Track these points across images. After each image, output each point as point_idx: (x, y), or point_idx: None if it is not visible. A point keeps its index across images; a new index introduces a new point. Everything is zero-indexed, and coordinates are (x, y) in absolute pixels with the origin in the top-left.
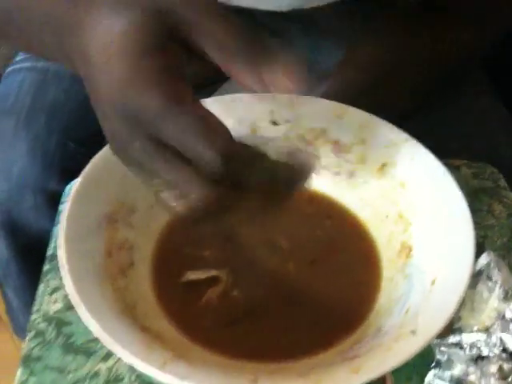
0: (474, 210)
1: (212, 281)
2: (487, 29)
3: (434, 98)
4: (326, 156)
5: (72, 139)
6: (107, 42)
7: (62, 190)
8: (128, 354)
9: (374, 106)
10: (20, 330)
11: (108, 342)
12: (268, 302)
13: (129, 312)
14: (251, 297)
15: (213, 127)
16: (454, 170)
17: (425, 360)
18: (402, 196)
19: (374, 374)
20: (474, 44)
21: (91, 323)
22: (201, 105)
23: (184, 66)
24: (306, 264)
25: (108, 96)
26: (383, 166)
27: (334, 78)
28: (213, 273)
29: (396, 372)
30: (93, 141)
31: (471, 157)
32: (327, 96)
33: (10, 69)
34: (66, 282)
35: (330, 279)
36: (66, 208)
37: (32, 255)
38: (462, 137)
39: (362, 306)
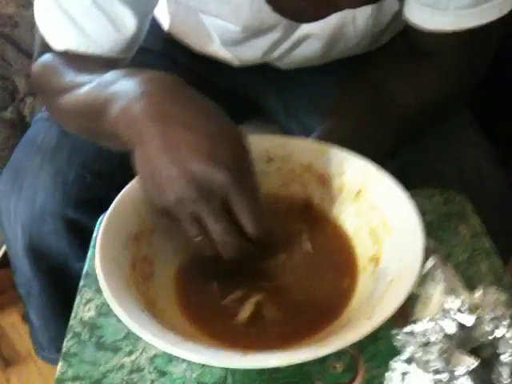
0: (443, 231)
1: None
2: (462, 75)
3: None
4: (311, 186)
5: (89, 172)
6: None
7: (79, 217)
8: (148, 335)
9: (358, 149)
10: (40, 350)
11: (133, 327)
12: (266, 307)
13: (150, 308)
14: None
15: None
16: (427, 196)
17: (392, 352)
18: (373, 216)
19: (338, 346)
20: (450, 89)
21: (121, 315)
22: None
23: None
24: (297, 271)
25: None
26: (358, 192)
27: (323, 127)
28: (238, 294)
29: (368, 361)
30: (107, 174)
31: (446, 184)
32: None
33: (38, 116)
34: (103, 288)
35: (315, 282)
36: (99, 234)
37: (52, 275)
38: (440, 166)
39: (340, 302)
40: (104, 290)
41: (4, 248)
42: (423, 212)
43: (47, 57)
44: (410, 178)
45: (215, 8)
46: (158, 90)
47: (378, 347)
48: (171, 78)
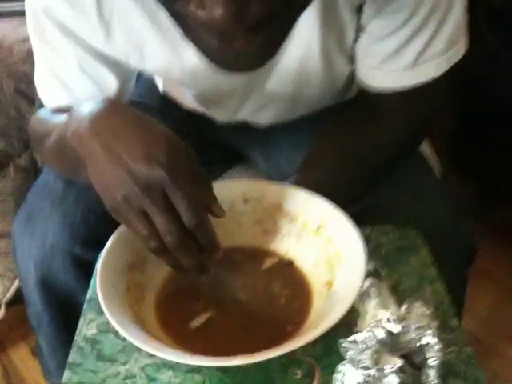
0: (396, 262)
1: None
2: (410, 126)
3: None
4: (281, 223)
5: (93, 215)
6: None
7: (85, 253)
8: (138, 342)
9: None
10: (48, 373)
11: (127, 336)
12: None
13: (140, 323)
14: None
15: (194, 202)
16: (385, 232)
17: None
18: (329, 248)
19: (294, 346)
20: (400, 139)
21: (117, 327)
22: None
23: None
24: (262, 293)
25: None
26: (318, 228)
27: (296, 175)
28: (203, 316)
29: (323, 370)
30: (109, 217)
31: (404, 220)
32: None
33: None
34: (103, 306)
35: (279, 303)
36: (99, 264)
37: (60, 307)
38: (398, 205)
39: (301, 317)
40: (103, 307)
41: (15, 286)
42: (380, 245)
43: (41, 111)
44: (371, 219)
45: (177, 77)
46: (100, 111)
47: (331, 358)
48: (114, 101)
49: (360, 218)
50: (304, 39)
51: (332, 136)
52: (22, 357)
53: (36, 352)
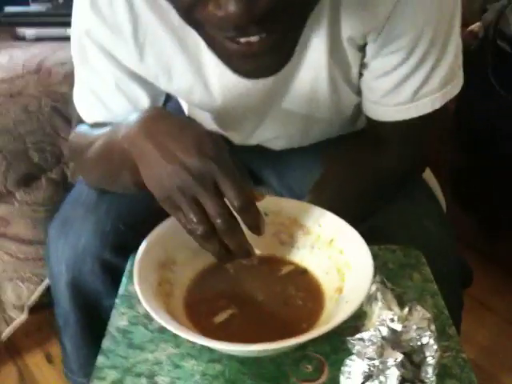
0: (401, 277)
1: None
2: (410, 157)
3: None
4: (297, 235)
5: (122, 223)
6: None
7: (113, 259)
8: (170, 327)
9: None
10: (71, 373)
11: (160, 321)
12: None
13: (170, 313)
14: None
15: (239, 188)
16: (392, 251)
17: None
18: (340, 258)
19: (306, 338)
20: (402, 168)
21: (152, 314)
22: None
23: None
24: (279, 295)
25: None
26: (331, 241)
27: (310, 195)
28: (226, 313)
29: (330, 366)
30: (137, 226)
31: (407, 241)
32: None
33: (80, 178)
34: (140, 297)
35: (294, 304)
36: (137, 261)
37: (86, 309)
38: (402, 227)
39: (313, 317)
40: (140, 297)
41: (39, 290)
42: (386, 261)
43: (80, 127)
44: (377, 238)
45: (199, 99)
46: (149, 117)
47: (339, 356)
48: (159, 108)
49: (368, 238)
50: (313, 66)
51: (341, 161)
52: (37, 363)
53: (50, 359)
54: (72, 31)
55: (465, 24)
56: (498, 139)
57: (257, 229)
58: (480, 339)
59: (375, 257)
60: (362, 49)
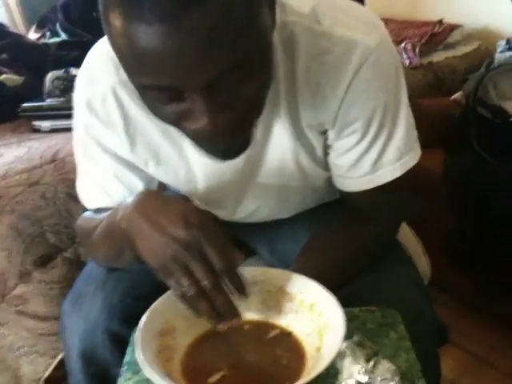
0: (378, 335)
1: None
2: (379, 226)
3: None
4: (282, 302)
5: (129, 297)
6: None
7: (120, 330)
8: None
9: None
10: None
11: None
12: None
13: (169, 375)
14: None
15: (223, 255)
16: (371, 312)
17: None
18: (320, 321)
19: None
20: (377, 227)
21: (151, 376)
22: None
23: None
24: (267, 355)
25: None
26: (312, 305)
27: (295, 265)
28: (219, 374)
29: None
30: (141, 298)
31: (383, 304)
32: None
33: None
34: (140, 363)
35: (280, 363)
36: (139, 330)
37: (97, 377)
38: (377, 292)
39: (296, 375)
40: (141, 364)
41: (54, 364)
42: (365, 321)
43: (85, 214)
44: (357, 301)
45: (183, 181)
46: (142, 198)
47: None
48: (151, 190)
49: (348, 302)
50: (279, 148)
51: (324, 233)
52: None
53: None
54: (74, 126)
55: (447, 93)
56: (489, 203)
57: (240, 289)
58: None
59: (355, 318)
60: (323, 133)
